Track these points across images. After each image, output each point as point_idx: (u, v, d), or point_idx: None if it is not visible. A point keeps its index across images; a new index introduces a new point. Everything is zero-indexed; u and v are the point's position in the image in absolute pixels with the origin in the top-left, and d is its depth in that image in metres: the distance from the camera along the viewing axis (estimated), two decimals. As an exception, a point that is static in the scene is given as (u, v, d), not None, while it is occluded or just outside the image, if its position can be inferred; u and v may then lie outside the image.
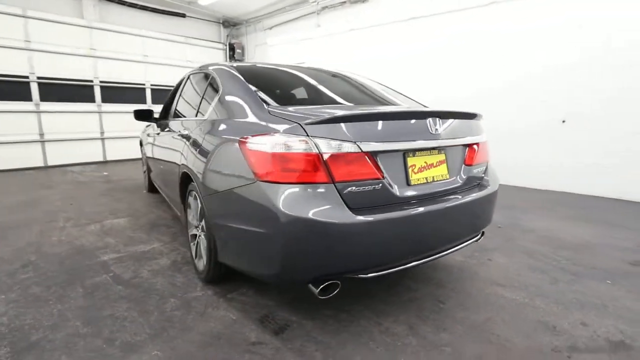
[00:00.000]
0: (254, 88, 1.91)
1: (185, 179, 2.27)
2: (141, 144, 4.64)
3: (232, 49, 9.00)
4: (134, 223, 3.30)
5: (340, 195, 1.43)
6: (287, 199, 1.38)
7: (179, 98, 2.96)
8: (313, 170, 1.41)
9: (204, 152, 1.89)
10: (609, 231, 3.14)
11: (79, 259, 2.49)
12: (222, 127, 1.83)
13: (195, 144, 2.03)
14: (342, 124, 1.45)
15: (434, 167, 1.71)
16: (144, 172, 4.66)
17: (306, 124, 1.42)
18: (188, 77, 2.93)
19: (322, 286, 1.48)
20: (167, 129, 2.91)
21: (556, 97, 4.63)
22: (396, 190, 1.56)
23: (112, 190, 4.76)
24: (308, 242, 1.39)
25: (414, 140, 1.60)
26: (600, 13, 4.24)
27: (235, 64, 2.28)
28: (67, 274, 2.25)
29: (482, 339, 1.65)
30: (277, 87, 2.13)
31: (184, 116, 2.67)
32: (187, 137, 2.23)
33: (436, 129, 1.66)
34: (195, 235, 2.23)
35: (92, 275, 2.25)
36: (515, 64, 4.91)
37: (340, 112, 1.50)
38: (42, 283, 2.13)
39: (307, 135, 1.41)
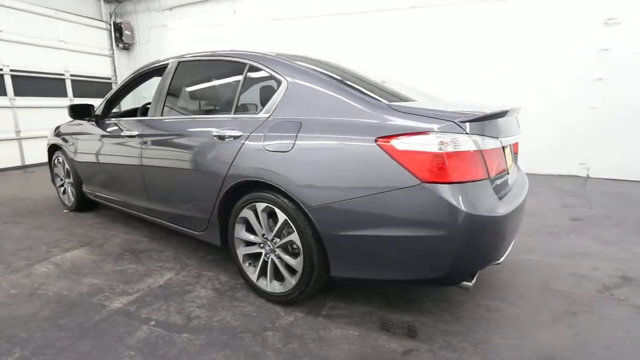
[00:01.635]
0: (342, 82, 1.74)
1: (234, 191, 1.90)
2: (56, 148, 3.50)
3: (118, 29, 7.44)
4: (101, 253, 2.52)
5: (493, 189, 1.50)
6: (462, 198, 1.37)
7: (167, 92, 2.37)
8: (478, 167, 1.44)
9: (298, 157, 1.63)
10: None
11: (79, 315, 1.79)
12: (323, 127, 1.61)
13: (269, 149, 1.71)
14: (485, 121, 1.50)
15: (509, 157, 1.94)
16: (62, 185, 3.56)
17: (461, 122, 1.42)
18: (177, 67, 2.37)
19: (474, 279, 1.53)
20: (153, 131, 2.31)
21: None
22: (508, 180, 1.73)
23: (16, 214, 3.45)
24: (481, 237, 1.42)
25: (513, 135, 1.78)
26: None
27: (277, 54, 1.99)
28: (89, 339, 1.61)
29: (553, 295, 2.01)
30: (350, 81, 1.93)
31: (203, 114, 2.19)
32: (234, 141, 1.85)
33: (519, 124, 1.88)
34: (258, 254, 1.92)
35: (126, 330, 1.67)
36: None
37: (475, 110, 1.54)
38: None
39: (466, 133, 1.41)
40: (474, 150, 1.43)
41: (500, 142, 1.57)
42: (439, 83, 5.68)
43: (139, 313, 1.81)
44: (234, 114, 2.00)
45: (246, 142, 1.83)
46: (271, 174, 1.72)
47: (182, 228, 2.37)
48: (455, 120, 1.43)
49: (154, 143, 2.34)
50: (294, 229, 1.71)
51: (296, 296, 1.80)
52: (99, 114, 2.96)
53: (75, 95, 6.80)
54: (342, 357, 1.51)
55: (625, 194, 4.27)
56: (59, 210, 3.58)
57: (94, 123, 2.98)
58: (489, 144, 1.49)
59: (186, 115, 2.37)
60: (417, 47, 5.79)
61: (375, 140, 1.47)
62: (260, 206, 1.82)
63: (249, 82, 1.99)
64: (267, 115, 1.84)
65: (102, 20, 7.34)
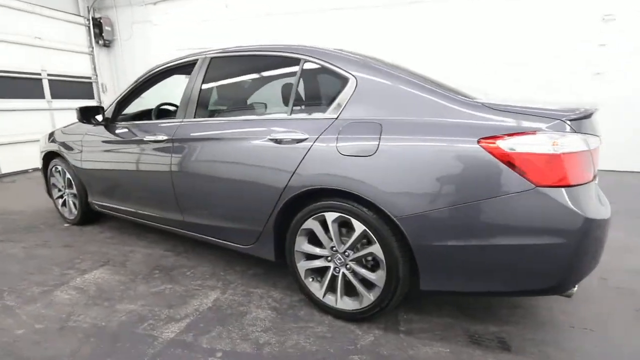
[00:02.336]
0: (419, 79, 1.60)
1: (296, 201, 1.72)
2: (53, 156, 3.14)
3: (97, 25, 6.90)
4: (126, 273, 2.25)
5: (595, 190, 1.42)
6: (579, 202, 1.27)
7: (200, 91, 2.13)
8: (589, 168, 1.35)
9: (384, 162, 1.47)
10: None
11: (128, 351, 1.54)
12: (410, 128, 1.46)
13: (346, 153, 1.54)
14: (587, 120, 1.41)
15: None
16: (62, 196, 3.20)
17: (570, 120, 1.32)
18: (209, 63, 2.13)
19: (577, 285, 1.45)
20: (187, 135, 2.07)
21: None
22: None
23: (10, 231, 3.05)
24: (594, 242, 1.32)
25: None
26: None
27: (334, 48, 1.81)
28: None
29: (619, 293, 1.97)
30: (421, 78, 1.75)
31: (248, 115, 1.97)
32: (297, 145, 1.66)
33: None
34: (323, 268, 1.75)
35: (191, 364, 1.46)
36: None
37: (575, 107, 1.45)
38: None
39: (577, 132, 1.31)
40: (586, 150, 1.33)
41: (600, 140, 1.49)
42: (441, 79, 5.66)
43: (199, 342, 1.60)
44: (291, 114, 1.82)
45: (314, 145, 1.65)
46: (350, 181, 1.55)
47: (223, 242, 2.14)
48: (563, 119, 1.32)
49: (188, 149, 2.10)
50: (376, 240, 1.55)
51: (374, 313, 1.65)
52: (109, 117, 2.66)
53: (53, 97, 6.24)
54: (446, 379, 1.39)
55: (625, 184, 4.42)
56: (58, 225, 3.22)
57: (103, 127, 2.68)
58: (594, 143, 1.40)
59: (227, 116, 2.13)
60: (418, 42, 5.72)
61: (478, 142, 1.35)
62: (331, 216, 1.65)
63: (306, 80, 1.81)
64: (335, 116, 1.66)
65: (80, 15, 6.78)
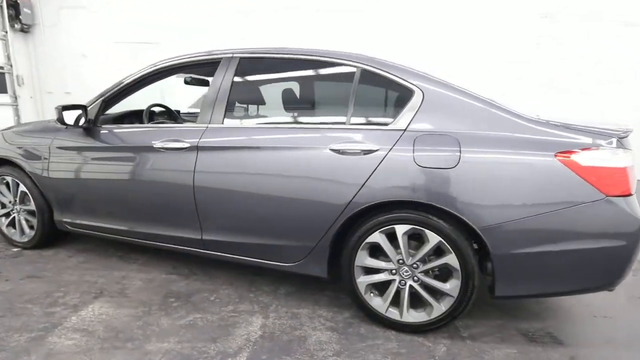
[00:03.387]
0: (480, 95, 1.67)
1: (357, 215, 1.65)
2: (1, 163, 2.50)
3: (13, 6, 5.71)
4: (134, 304, 1.88)
5: None
6: (635, 208, 1.46)
7: (229, 94, 1.90)
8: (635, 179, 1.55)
9: (466, 174, 1.49)
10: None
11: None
12: (488, 142, 1.52)
13: (424, 165, 1.53)
14: (626, 137, 1.63)
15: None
16: (8, 214, 2.55)
17: (620, 138, 1.52)
18: (239, 63, 1.92)
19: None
20: (220, 142, 1.84)
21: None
22: None
23: None
24: None
25: None
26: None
27: (389, 60, 1.79)
28: None
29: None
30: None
31: (292, 122, 1.81)
32: (366, 157, 1.60)
33: None
34: (382, 283, 1.71)
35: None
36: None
37: (605, 126, 1.66)
38: None
39: (626, 148, 1.51)
40: (633, 164, 1.55)
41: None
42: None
43: (274, 377, 1.42)
44: (350, 124, 1.74)
45: (388, 157, 1.60)
46: (429, 193, 1.54)
47: (257, 260, 1.95)
48: (615, 136, 1.52)
49: (220, 158, 1.86)
50: (452, 250, 1.58)
51: (446, 323, 1.67)
52: (92, 118, 2.22)
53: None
54: (532, 380, 1.46)
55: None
56: (5, 250, 2.56)
57: (82, 130, 2.22)
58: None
59: (267, 123, 1.94)
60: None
61: (555, 155, 1.47)
62: (402, 229, 1.62)
63: (362, 88, 1.75)
64: (404, 127, 1.65)
65: (-13, -8, 5.55)
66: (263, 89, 2.06)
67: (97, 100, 2.25)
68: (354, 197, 1.65)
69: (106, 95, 2.24)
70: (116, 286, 2.09)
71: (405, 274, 1.69)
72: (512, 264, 1.54)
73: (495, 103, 1.63)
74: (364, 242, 1.69)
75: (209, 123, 1.94)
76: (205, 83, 3.19)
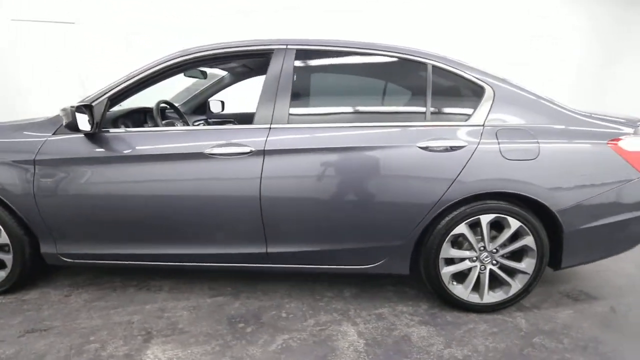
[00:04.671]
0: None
1: (440, 214, 1.71)
2: None
3: None
4: (200, 339, 1.60)
5: None
6: None
7: (292, 90, 1.70)
8: None
9: (545, 163, 1.66)
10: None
11: None
12: (555, 134, 1.71)
13: (511, 157, 1.64)
14: None
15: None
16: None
17: None
18: (295, 56, 1.73)
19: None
20: (295, 144, 1.66)
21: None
22: None
23: None
24: None
25: None
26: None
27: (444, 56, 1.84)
28: None
29: None
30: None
31: (367, 120, 1.71)
32: (455, 153, 1.64)
33: None
34: (461, 270, 1.81)
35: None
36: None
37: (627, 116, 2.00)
38: None
39: None
40: None
41: None
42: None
43: (414, 382, 1.39)
44: (430, 121, 1.75)
45: (477, 152, 1.67)
46: (516, 183, 1.67)
47: (331, 267, 1.85)
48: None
49: (293, 162, 1.68)
50: (530, 233, 1.74)
51: (521, 298, 1.85)
52: (99, 120, 1.75)
53: None
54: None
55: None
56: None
57: (84, 136, 1.74)
58: None
59: (339, 122, 1.78)
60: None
61: (607, 143, 1.73)
62: (487, 218, 1.73)
63: (437, 86, 1.76)
64: (482, 123, 1.73)
65: None
66: (326, 84, 1.91)
67: (100, 97, 1.78)
68: (445, 192, 1.68)
69: (113, 91, 1.79)
70: (161, 322, 1.75)
71: (485, 259, 1.81)
72: (577, 238, 1.79)
73: (553, 99, 1.84)
74: (450, 234, 1.76)
75: (271, 123, 1.73)
76: (204, 75, 2.82)
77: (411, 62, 1.81)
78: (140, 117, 2.29)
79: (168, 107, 2.52)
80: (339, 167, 1.71)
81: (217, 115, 3.36)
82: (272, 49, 1.80)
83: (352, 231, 1.77)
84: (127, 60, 5.05)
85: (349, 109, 1.86)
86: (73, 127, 1.63)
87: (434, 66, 1.80)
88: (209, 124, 3.18)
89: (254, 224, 1.75)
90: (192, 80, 3.03)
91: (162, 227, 1.81)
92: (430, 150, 1.69)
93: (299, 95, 1.79)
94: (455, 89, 1.82)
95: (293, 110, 1.76)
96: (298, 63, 1.79)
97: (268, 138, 1.70)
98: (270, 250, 1.81)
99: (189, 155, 1.72)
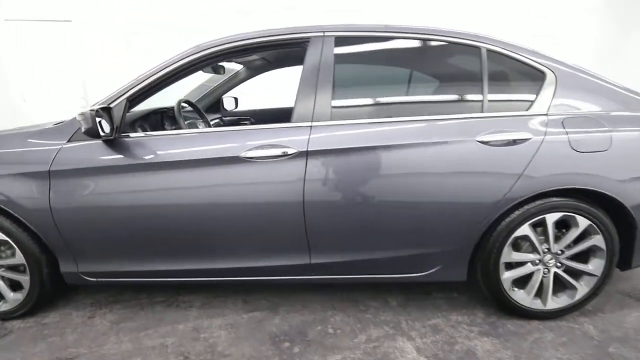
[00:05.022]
0: None
1: (505, 213, 1.54)
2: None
3: None
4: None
5: None
6: None
7: (333, 83, 1.53)
8: None
9: (616, 154, 1.49)
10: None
11: None
12: (622, 121, 1.55)
13: (581, 150, 1.48)
14: None
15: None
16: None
17: None
18: (334, 44, 1.55)
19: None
20: (335, 144, 1.49)
21: None
22: None
23: None
24: None
25: None
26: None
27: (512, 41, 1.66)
28: None
29: None
30: None
31: (416, 113, 1.54)
32: (518, 147, 1.47)
33: None
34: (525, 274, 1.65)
35: None
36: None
37: None
38: None
39: None
40: None
41: None
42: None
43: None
44: (488, 111, 1.57)
45: (543, 144, 1.50)
46: (589, 177, 1.51)
47: (380, 276, 1.70)
48: None
49: (339, 163, 1.51)
50: (600, 232, 1.59)
51: (588, 302, 1.69)
52: (119, 124, 1.57)
53: None
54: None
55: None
56: (-27, 330, 1.70)
57: (104, 142, 1.56)
58: None
59: (386, 116, 1.60)
60: None
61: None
62: (553, 217, 1.57)
63: (493, 72, 1.59)
64: (545, 112, 1.56)
65: None
66: (369, 74, 1.73)
67: (118, 99, 1.60)
68: (509, 191, 1.51)
69: (132, 91, 1.61)
70: (198, 345, 1.59)
71: (549, 262, 1.66)
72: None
73: (619, 83, 1.67)
74: (512, 237, 1.60)
75: (312, 120, 1.55)
76: (223, 70, 2.63)
77: (463, 46, 1.62)
78: (157, 119, 2.12)
79: (186, 106, 2.34)
80: (390, 166, 1.53)
81: (232, 113, 3.18)
82: (308, 37, 1.62)
83: (405, 237, 1.61)
84: (128, 61, 4.88)
85: (397, 101, 1.68)
86: (94, 133, 1.45)
87: (488, 50, 1.62)
88: (224, 122, 3.01)
89: (297, 232, 1.59)
90: (205, 77, 2.84)
91: (195, 240, 1.64)
92: (491, 145, 1.52)
93: (341, 87, 1.61)
94: (513, 75, 1.64)
95: (335, 105, 1.58)
96: (338, 52, 1.61)
97: (310, 137, 1.52)
98: (315, 260, 1.65)
99: (222, 160, 1.54)
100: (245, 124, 3.16)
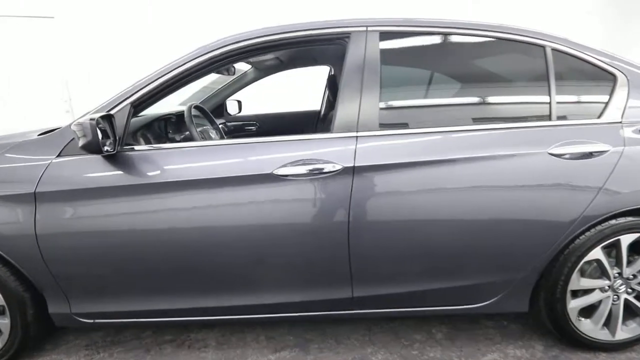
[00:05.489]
0: None
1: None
2: None
3: None
4: None
5: None
6: None
7: (379, 85, 1.30)
8: None
9: None
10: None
11: None
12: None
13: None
14: None
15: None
16: None
17: None
18: (379, 39, 1.32)
19: None
20: (382, 159, 1.26)
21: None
22: None
23: None
24: None
25: None
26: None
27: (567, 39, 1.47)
28: None
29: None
30: None
31: (478, 121, 1.34)
32: (595, 159, 1.28)
33: None
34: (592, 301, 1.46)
35: None
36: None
37: None
38: None
39: None
40: None
41: None
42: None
43: None
44: (556, 119, 1.37)
45: (623, 156, 1.31)
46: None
47: (431, 309, 1.47)
48: None
49: (390, 180, 1.28)
50: (679, 252, 1.41)
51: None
52: (122, 135, 1.30)
53: None
54: None
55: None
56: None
57: (103, 157, 1.29)
58: None
59: (443, 125, 1.37)
60: None
61: None
62: (628, 239, 1.37)
63: (559, 74, 1.39)
64: (619, 119, 1.37)
65: None
66: (419, 76, 1.49)
67: (120, 104, 1.32)
68: (586, 209, 1.31)
69: (137, 95, 1.33)
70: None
71: (619, 288, 1.47)
72: None
73: None
74: (583, 261, 1.40)
75: (358, 130, 1.32)
76: (233, 71, 2.36)
77: (525, 45, 1.42)
78: (160, 126, 1.84)
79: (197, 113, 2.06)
80: (449, 184, 1.30)
81: (235, 118, 2.92)
82: (348, 32, 1.37)
83: (464, 264, 1.39)
84: (114, 60, 4.52)
85: (453, 108, 1.46)
86: (94, 148, 1.17)
87: (554, 49, 1.42)
88: (228, 128, 2.74)
89: (338, 261, 1.34)
90: (209, 78, 2.57)
91: (214, 274, 1.37)
92: (565, 158, 1.32)
93: (389, 91, 1.38)
94: (581, 78, 1.45)
95: (383, 112, 1.35)
96: (384, 49, 1.37)
97: (357, 150, 1.29)
98: (358, 294, 1.40)
99: (249, 178, 1.28)
100: (251, 130, 2.91)
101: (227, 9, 4.75)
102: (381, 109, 1.34)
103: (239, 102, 2.96)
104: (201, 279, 1.39)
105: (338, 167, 1.26)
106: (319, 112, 2.83)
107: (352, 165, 1.27)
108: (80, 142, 1.17)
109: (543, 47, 1.42)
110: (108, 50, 4.49)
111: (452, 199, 1.32)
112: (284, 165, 1.27)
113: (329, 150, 1.30)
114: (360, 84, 1.33)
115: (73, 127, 1.19)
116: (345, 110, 1.33)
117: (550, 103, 1.39)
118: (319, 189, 1.28)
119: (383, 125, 1.33)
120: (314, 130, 2.82)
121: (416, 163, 1.29)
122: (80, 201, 1.30)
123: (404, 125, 1.36)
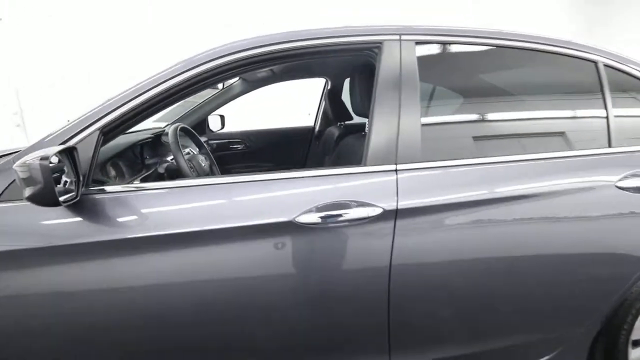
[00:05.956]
0: None
1: None
2: None
3: None
4: None
5: None
6: None
7: (418, 104, 1.05)
8: None
9: None
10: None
11: None
12: None
13: None
14: None
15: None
16: None
17: None
18: (414, 50, 1.08)
19: None
20: (425, 199, 1.00)
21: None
22: None
23: None
24: None
25: None
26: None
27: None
28: None
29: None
30: None
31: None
32: None
33: None
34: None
35: None
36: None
37: None
38: None
39: None
40: None
41: None
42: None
43: None
44: (616, 145, 1.19)
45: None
46: None
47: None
48: None
49: (443, 225, 1.03)
50: None
51: None
52: (86, 172, 0.96)
53: None
54: None
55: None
56: None
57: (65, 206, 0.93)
58: None
59: (495, 154, 1.13)
60: None
61: None
62: None
63: (613, 93, 1.22)
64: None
65: None
66: (460, 95, 1.25)
67: (85, 130, 0.99)
68: (654, 251, 1.14)
69: (107, 119, 1.00)
70: None
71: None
72: None
73: None
74: (647, 307, 1.23)
75: (397, 162, 1.06)
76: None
77: (576, 60, 1.24)
78: (137, 153, 1.49)
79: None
80: (508, 226, 1.08)
81: (219, 135, 2.59)
82: (380, 41, 1.13)
83: (521, 321, 1.16)
84: (74, 67, 4.00)
85: (504, 133, 1.24)
86: (46, 199, 0.83)
87: (606, 65, 1.25)
88: (211, 146, 2.40)
89: (374, 326, 1.07)
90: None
91: (216, 351, 1.06)
92: (633, 192, 1.14)
93: (431, 113, 1.14)
94: (634, 96, 1.29)
95: (426, 139, 1.11)
96: (422, 62, 1.14)
97: (399, 188, 1.04)
98: (396, 357, 1.14)
99: (262, 228, 0.98)
100: (237, 149, 2.59)
101: (227, 9, 4.39)
102: (423, 135, 1.10)
103: (222, 117, 2.64)
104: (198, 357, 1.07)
105: (378, 211, 1.00)
106: (313, 128, 2.59)
107: (394, 208, 1.01)
108: (26, 192, 0.82)
109: (595, 62, 1.23)
110: (63, 55, 3.98)
111: (511, 245, 1.08)
112: (308, 211, 0.99)
113: (363, 188, 1.03)
114: (398, 104, 1.09)
115: (16, 168, 0.84)
116: (379, 136, 1.07)
117: (607, 126, 1.21)
118: (352, 239, 1.00)
119: (427, 155, 1.08)
120: (308, 149, 2.57)
121: (468, 203, 1.05)
122: (23, 268, 0.94)
123: (449, 155, 1.12)
